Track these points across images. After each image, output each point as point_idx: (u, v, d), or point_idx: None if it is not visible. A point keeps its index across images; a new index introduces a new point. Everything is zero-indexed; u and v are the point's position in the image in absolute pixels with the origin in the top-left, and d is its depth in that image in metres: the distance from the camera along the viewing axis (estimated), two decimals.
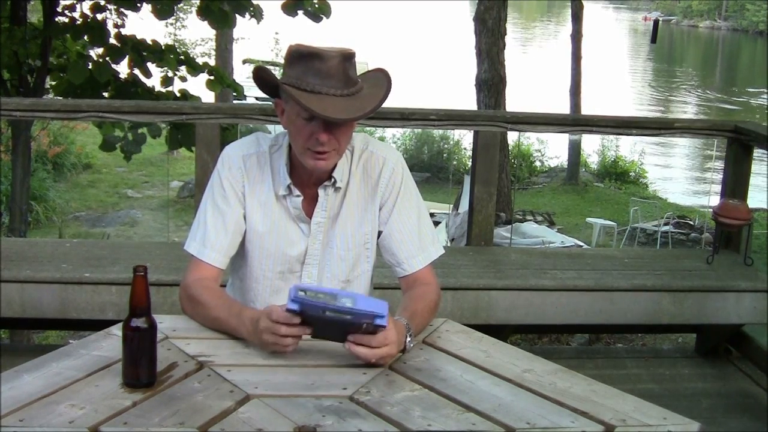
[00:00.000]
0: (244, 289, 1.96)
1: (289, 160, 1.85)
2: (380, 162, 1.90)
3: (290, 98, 1.73)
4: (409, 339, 1.68)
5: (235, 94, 7.76)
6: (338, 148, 1.78)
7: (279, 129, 1.91)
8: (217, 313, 1.75)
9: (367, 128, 11.82)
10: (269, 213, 1.87)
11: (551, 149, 17.76)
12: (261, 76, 1.80)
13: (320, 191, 1.86)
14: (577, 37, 15.57)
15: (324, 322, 1.55)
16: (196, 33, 19.08)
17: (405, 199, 1.90)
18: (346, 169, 1.88)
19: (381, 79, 1.81)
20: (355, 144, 1.90)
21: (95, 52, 6.88)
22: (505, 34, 11.02)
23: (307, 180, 1.86)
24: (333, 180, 1.85)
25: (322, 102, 1.68)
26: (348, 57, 1.74)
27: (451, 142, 17.43)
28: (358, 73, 1.81)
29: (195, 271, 1.85)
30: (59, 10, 6.67)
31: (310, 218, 1.88)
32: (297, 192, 1.86)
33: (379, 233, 1.93)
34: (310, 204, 1.88)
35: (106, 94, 6.59)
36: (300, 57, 1.72)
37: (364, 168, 1.90)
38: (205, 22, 6.78)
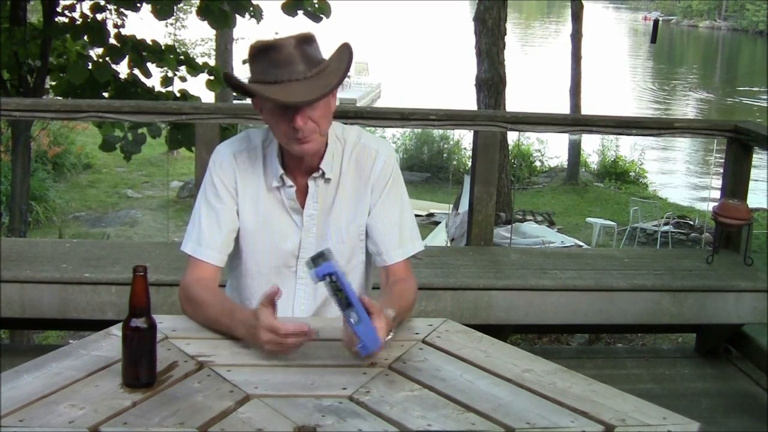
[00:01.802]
0: (241, 287, 1.96)
1: (281, 152, 1.87)
2: (372, 154, 1.91)
3: (257, 93, 1.75)
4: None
5: (235, 94, 7.74)
6: (319, 129, 1.79)
7: None
8: (213, 313, 1.76)
9: (368, 128, 11.80)
10: (262, 208, 1.88)
11: (551, 149, 17.74)
12: (230, 81, 1.82)
13: (310, 182, 1.88)
14: (577, 37, 15.57)
15: None
16: (196, 33, 19.08)
17: (392, 190, 1.92)
18: (337, 162, 1.89)
19: (344, 53, 1.82)
20: (347, 137, 1.91)
21: (95, 52, 6.87)
22: (505, 34, 11.01)
23: (298, 169, 1.87)
24: (321, 171, 1.86)
25: (287, 89, 1.70)
26: (304, 40, 1.76)
27: (451, 142, 17.41)
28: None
29: (193, 271, 1.86)
30: (59, 10, 6.66)
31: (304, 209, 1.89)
32: (290, 182, 1.87)
33: None
34: (302, 195, 1.89)
35: (106, 94, 6.58)
36: (258, 52, 1.75)
37: (357, 161, 1.91)
38: (205, 22, 6.77)
